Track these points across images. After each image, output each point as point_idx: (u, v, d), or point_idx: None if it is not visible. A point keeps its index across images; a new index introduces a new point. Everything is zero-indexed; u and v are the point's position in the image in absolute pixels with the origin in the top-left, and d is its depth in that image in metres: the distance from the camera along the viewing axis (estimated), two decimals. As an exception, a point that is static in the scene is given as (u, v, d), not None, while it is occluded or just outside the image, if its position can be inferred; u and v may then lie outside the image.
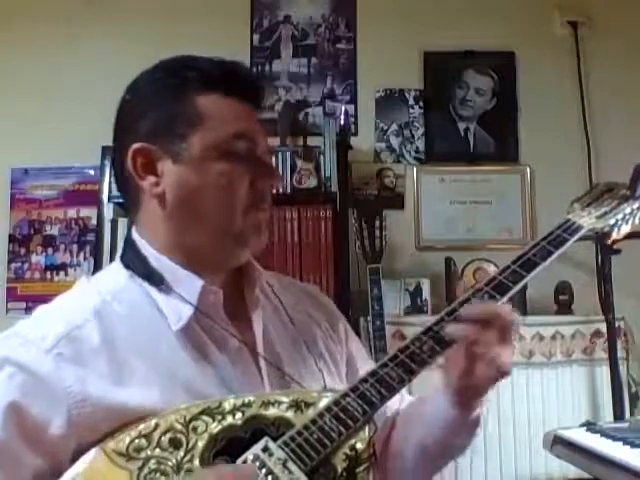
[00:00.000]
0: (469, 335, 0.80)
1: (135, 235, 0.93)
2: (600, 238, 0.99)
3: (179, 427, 0.74)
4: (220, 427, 0.75)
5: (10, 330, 0.84)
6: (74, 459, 0.76)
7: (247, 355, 0.89)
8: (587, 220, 0.94)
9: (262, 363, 0.90)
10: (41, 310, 0.88)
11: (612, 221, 0.96)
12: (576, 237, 0.92)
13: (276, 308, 1.00)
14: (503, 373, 0.80)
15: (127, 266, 0.91)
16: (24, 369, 0.78)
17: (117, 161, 0.92)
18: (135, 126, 0.90)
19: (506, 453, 2.35)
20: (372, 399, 0.77)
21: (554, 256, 0.90)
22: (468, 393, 0.84)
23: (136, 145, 0.88)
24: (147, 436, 0.74)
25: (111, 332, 0.84)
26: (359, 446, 0.76)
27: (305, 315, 1.03)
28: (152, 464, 0.72)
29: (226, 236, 0.89)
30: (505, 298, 0.86)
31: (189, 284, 0.88)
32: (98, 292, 0.89)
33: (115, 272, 0.93)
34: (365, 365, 1.03)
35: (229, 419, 0.76)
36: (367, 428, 0.77)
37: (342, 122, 2.72)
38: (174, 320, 0.86)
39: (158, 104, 0.89)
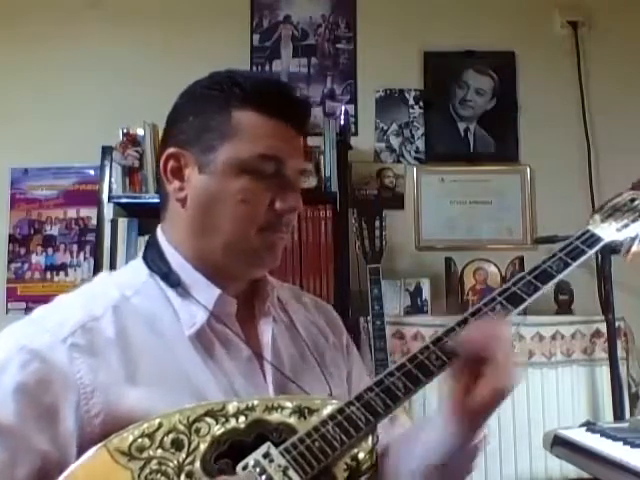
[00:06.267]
0: (470, 351, 0.78)
1: (160, 235, 0.95)
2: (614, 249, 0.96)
3: (182, 428, 0.75)
4: (223, 430, 0.75)
5: (27, 318, 0.85)
6: (78, 456, 0.76)
7: (256, 365, 0.91)
8: (607, 232, 0.92)
9: (268, 373, 0.91)
10: (60, 299, 0.89)
11: (633, 234, 0.94)
12: (595, 249, 0.90)
13: (287, 321, 1.01)
14: (506, 391, 0.77)
15: (148, 265, 0.93)
16: (38, 357, 0.79)
17: (158, 162, 0.95)
18: (174, 130, 0.93)
19: (506, 453, 2.35)
20: (377, 408, 0.77)
21: (571, 268, 0.88)
22: (470, 416, 0.81)
23: (170, 149, 0.91)
24: (150, 435, 0.74)
25: (126, 328, 0.85)
26: (361, 456, 0.76)
27: (316, 328, 1.05)
28: (154, 465, 0.72)
29: (238, 251, 0.90)
30: (518, 309, 0.84)
31: (206, 291, 0.89)
32: (118, 287, 0.90)
33: (136, 269, 0.94)
34: (361, 381, 1.04)
35: (232, 422, 0.76)
36: (370, 438, 0.76)
37: (342, 122, 2.72)
38: (187, 324, 0.88)
39: (198, 113, 0.91)
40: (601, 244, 0.91)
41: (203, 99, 0.91)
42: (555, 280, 0.87)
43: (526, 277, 0.87)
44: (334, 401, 0.79)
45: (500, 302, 0.84)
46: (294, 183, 0.92)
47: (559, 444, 1.49)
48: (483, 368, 0.77)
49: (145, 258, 0.94)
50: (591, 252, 0.90)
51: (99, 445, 0.73)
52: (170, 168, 0.91)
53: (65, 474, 0.72)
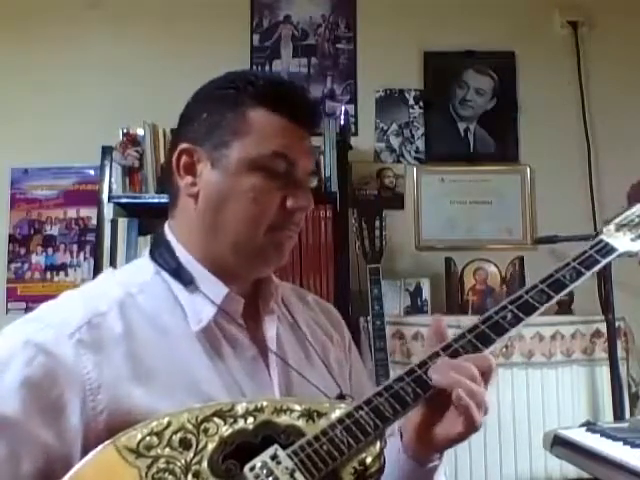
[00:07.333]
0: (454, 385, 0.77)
1: (168, 232, 0.95)
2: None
3: (190, 427, 0.74)
4: (231, 430, 0.75)
5: (31, 314, 0.86)
6: (82, 452, 0.76)
7: (261, 363, 0.91)
8: (621, 242, 0.92)
9: (274, 372, 0.91)
10: (64, 296, 0.90)
11: None
12: (609, 259, 0.89)
13: (291, 320, 1.01)
14: (472, 431, 0.77)
15: (155, 261, 0.93)
16: (44, 351, 0.79)
17: (169, 158, 0.95)
18: (188, 127, 0.94)
19: (506, 453, 2.35)
20: (385, 414, 0.77)
21: (584, 277, 0.87)
22: (432, 447, 0.82)
23: (183, 145, 0.92)
24: (158, 434, 0.74)
25: (132, 325, 0.85)
26: (368, 461, 0.75)
27: (319, 328, 1.06)
28: (161, 463, 0.72)
29: (245, 249, 0.90)
30: (531, 318, 0.84)
31: (214, 288, 0.90)
32: (123, 284, 0.90)
33: (141, 267, 0.94)
34: (359, 383, 1.05)
35: (240, 423, 0.76)
36: (378, 443, 0.76)
37: (342, 122, 2.72)
38: (194, 320, 0.88)
39: (211, 111, 0.92)
40: (615, 254, 0.91)
41: (216, 98, 0.92)
42: (568, 289, 0.86)
43: (539, 286, 0.87)
44: (343, 405, 0.79)
45: (512, 311, 0.84)
46: (304, 182, 0.93)
47: (559, 444, 1.49)
48: (453, 401, 0.77)
49: (152, 255, 0.94)
50: (605, 262, 0.89)
51: (107, 442, 0.73)
52: (183, 163, 0.92)
53: (73, 471, 0.71)
